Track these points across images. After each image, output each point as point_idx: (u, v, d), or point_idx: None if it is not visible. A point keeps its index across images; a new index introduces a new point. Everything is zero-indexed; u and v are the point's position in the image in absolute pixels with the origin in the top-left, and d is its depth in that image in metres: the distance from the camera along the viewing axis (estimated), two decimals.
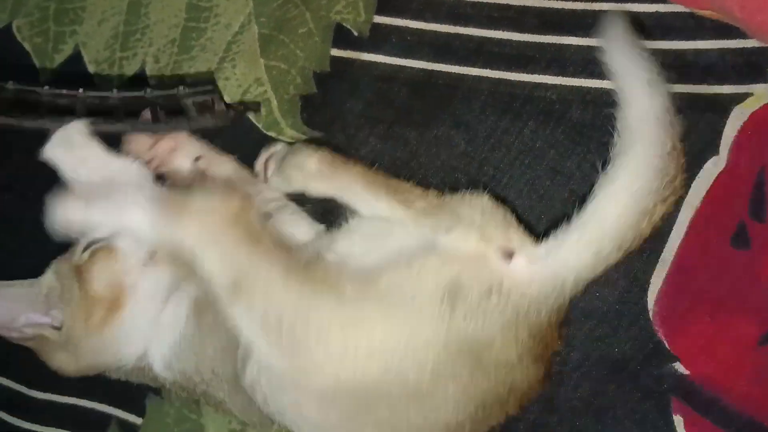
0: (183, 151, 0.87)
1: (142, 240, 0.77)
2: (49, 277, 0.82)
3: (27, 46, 1.07)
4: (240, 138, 0.96)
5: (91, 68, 1.03)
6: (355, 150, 0.93)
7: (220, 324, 0.75)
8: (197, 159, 0.88)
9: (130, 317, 0.80)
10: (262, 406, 0.75)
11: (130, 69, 1.01)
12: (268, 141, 0.95)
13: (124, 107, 0.86)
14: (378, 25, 0.93)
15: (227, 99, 0.95)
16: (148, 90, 0.81)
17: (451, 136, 0.89)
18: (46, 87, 0.86)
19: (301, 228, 0.87)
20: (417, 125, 0.91)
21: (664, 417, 0.81)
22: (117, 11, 1.03)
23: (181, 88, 0.83)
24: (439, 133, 0.90)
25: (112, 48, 1.02)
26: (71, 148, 0.79)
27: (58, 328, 0.80)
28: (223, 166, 0.88)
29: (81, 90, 0.84)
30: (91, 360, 0.82)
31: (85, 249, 0.81)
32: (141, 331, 0.80)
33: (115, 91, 0.83)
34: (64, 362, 0.82)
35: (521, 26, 0.88)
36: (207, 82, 0.86)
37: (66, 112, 0.84)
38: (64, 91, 0.85)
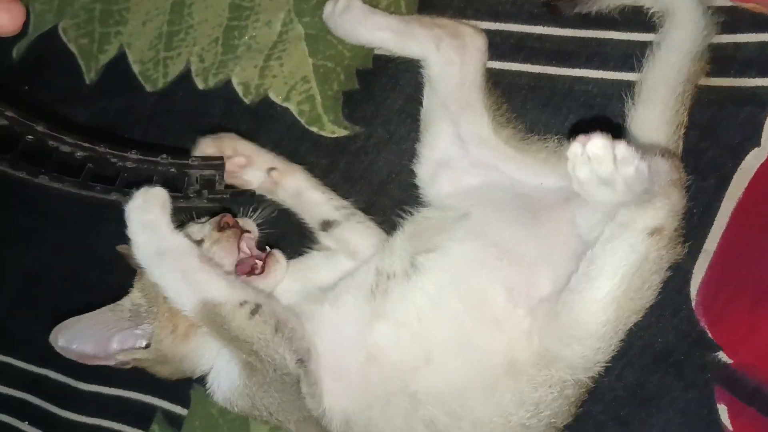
0: (256, 165, 0.90)
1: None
2: (134, 294, 0.84)
3: (72, 47, 1.10)
4: (281, 133, 0.98)
5: (136, 68, 1.06)
6: (396, 144, 0.95)
7: (270, 384, 0.79)
8: (270, 170, 0.89)
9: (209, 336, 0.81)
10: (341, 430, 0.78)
11: (175, 69, 1.04)
12: (309, 136, 0.97)
13: (135, 169, 0.87)
14: None
15: (273, 96, 0.98)
16: (163, 156, 0.84)
17: None
18: (41, 126, 0.86)
19: (367, 238, 0.88)
20: None
21: (708, 406, 0.82)
22: (161, 12, 1.06)
23: (192, 159, 0.86)
24: None
25: (156, 48, 1.05)
26: (145, 212, 0.79)
27: (147, 347, 0.83)
28: (294, 175, 0.90)
29: (102, 146, 0.86)
30: (179, 368, 0.84)
31: None
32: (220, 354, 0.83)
33: (133, 152, 0.85)
34: (164, 372, 0.85)
35: (562, 21, 0.89)
36: (217, 159, 0.89)
37: (65, 171, 0.84)
38: (86, 144, 0.85)
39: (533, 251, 0.76)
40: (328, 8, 0.92)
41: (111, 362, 0.83)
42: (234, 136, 0.92)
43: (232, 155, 0.89)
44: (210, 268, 0.78)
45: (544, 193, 0.80)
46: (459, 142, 0.84)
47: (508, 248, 0.77)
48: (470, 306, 0.76)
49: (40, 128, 0.81)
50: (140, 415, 1.02)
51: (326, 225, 0.89)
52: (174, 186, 0.86)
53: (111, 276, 1.00)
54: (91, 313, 0.83)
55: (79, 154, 0.82)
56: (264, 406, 0.80)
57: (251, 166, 0.90)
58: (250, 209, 0.89)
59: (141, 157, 0.84)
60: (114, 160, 0.82)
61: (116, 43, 1.07)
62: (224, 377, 0.82)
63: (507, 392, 0.74)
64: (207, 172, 0.86)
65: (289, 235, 0.93)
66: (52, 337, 0.81)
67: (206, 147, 0.90)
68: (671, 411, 0.83)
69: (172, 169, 0.84)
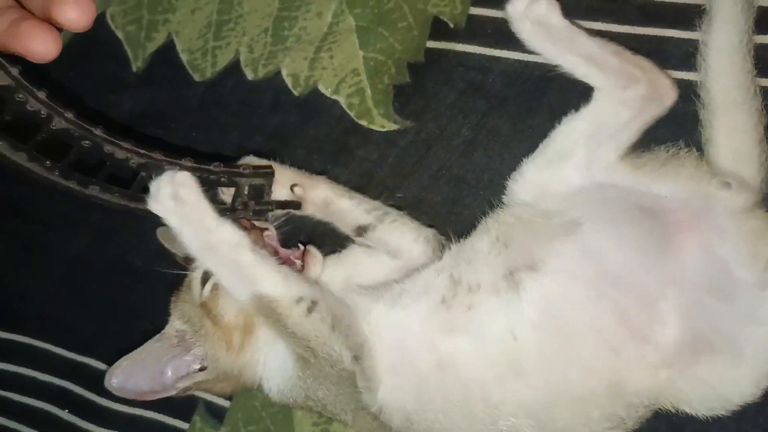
0: (278, 183, 0.86)
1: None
2: (175, 323, 0.84)
3: (120, 34, 1.09)
4: (330, 126, 0.98)
5: (184, 57, 1.05)
6: (447, 140, 0.94)
7: (324, 376, 0.77)
8: (293, 186, 0.86)
9: (263, 335, 0.81)
10: (401, 425, 0.76)
11: (224, 59, 1.03)
12: (358, 129, 0.96)
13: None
14: (473, 16, 0.94)
15: (323, 89, 0.98)
16: (216, 164, 0.83)
17: (546, 128, 0.87)
18: (99, 130, 0.81)
19: (405, 235, 0.86)
20: (511, 116, 0.92)
21: (765, 414, 0.79)
22: (210, 0, 1.05)
23: (244, 167, 0.85)
24: (533, 124, 0.90)
25: (205, 37, 1.04)
26: (181, 203, 0.76)
27: (203, 369, 0.82)
28: (318, 188, 0.88)
29: (157, 153, 0.82)
30: (240, 381, 0.83)
31: (203, 283, 0.82)
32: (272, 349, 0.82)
33: (187, 159, 0.82)
34: (225, 390, 0.85)
35: (622, 18, 0.88)
36: (266, 168, 0.86)
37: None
38: (142, 151, 0.81)
39: (656, 278, 0.72)
40: (518, 7, 0.82)
41: (172, 392, 0.83)
42: (252, 158, 0.90)
43: None
44: (263, 261, 0.76)
45: (669, 207, 0.75)
46: (587, 165, 0.79)
47: (627, 275, 0.73)
48: (577, 330, 0.72)
49: (98, 132, 0.80)
50: (182, 406, 1.01)
51: (361, 230, 0.87)
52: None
53: (156, 264, 0.99)
54: (139, 349, 0.83)
55: (134, 160, 0.80)
56: (318, 398, 0.79)
57: (277, 184, 0.86)
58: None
59: (195, 165, 0.82)
60: (168, 167, 0.81)
61: (164, 31, 1.06)
62: (278, 371, 0.81)
63: (597, 408, 0.73)
64: (257, 181, 0.84)
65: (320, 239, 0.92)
66: (106, 381, 0.81)
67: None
68: (726, 417, 0.81)
69: (224, 178, 0.82)
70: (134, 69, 1.08)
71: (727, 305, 0.72)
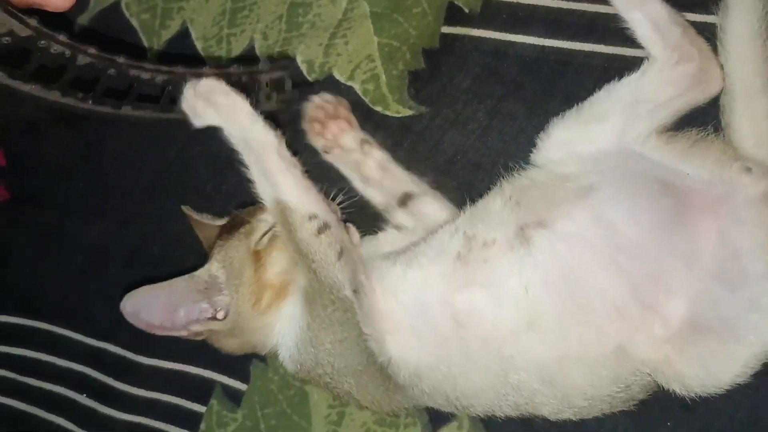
0: (352, 133, 0.91)
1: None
2: (213, 266, 0.84)
3: (134, 22, 1.10)
4: None
5: (199, 45, 1.05)
6: (462, 125, 0.94)
7: (329, 315, 0.79)
8: (363, 141, 0.91)
9: (291, 305, 0.82)
10: (408, 381, 0.78)
11: (239, 46, 1.03)
12: (373, 115, 0.97)
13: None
14: (488, 1, 0.94)
15: (337, 75, 0.98)
16: (235, 66, 0.86)
17: (562, 112, 0.88)
18: (122, 57, 0.90)
19: (443, 212, 0.88)
20: (526, 101, 0.92)
21: None
22: None
23: (263, 63, 0.87)
24: (549, 108, 0.90)
25: (220, 25, 1.05)
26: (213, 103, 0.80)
27: (221, 319, 0.83)
28: (380, 150, 0.91)
29: (179, 67, 0.89)
30: (249, 340, 0.84)
31: (264, 234, 0.83)
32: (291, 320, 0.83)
33: (207, 67, 0.86)
34: (231, 346, 0.86)
35: None
36: (285, 60, 0.89)
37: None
38: (164, 68, 0.88)
39: (668, 254, 0.74)
40: None
41: (182, 333, 0.83)
42: (335, 100, 0.93)
43: (336, 116, 0.91)
44: (287, 169, 0.80)
45: (690, 187, 0.76)
46: (619, 132, 0.78)
47: (639, 245, 0.74)
48: (586, 291, 0.74)
49: (121, 60, 0.84)
50: (199, 389, 1.02)
51: (406, 198, 0.89)
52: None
53: (174, 251, 1.01)
54: (165, 282, 0.83)
55: (158, 78, 0.84)
56: (326, 354, 0.80)
57: (351, 131, 0.91)
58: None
59: (216, 71, 0.86)
60: (192, 78, 0.83)
61: (179, 19, 1.07)
62: (290, 329, 0.82)
63: (605, 369, 0.74)
64: (276, 75, 0.87)
65: None
66: (122, 303, 0.81)
67: (312, 110, 0.91)
68: (739, 396, 0.81)
69: (244, 78, 0.86)
70: (149, 57, 1.08)
71: (732, 292, 0.73)
